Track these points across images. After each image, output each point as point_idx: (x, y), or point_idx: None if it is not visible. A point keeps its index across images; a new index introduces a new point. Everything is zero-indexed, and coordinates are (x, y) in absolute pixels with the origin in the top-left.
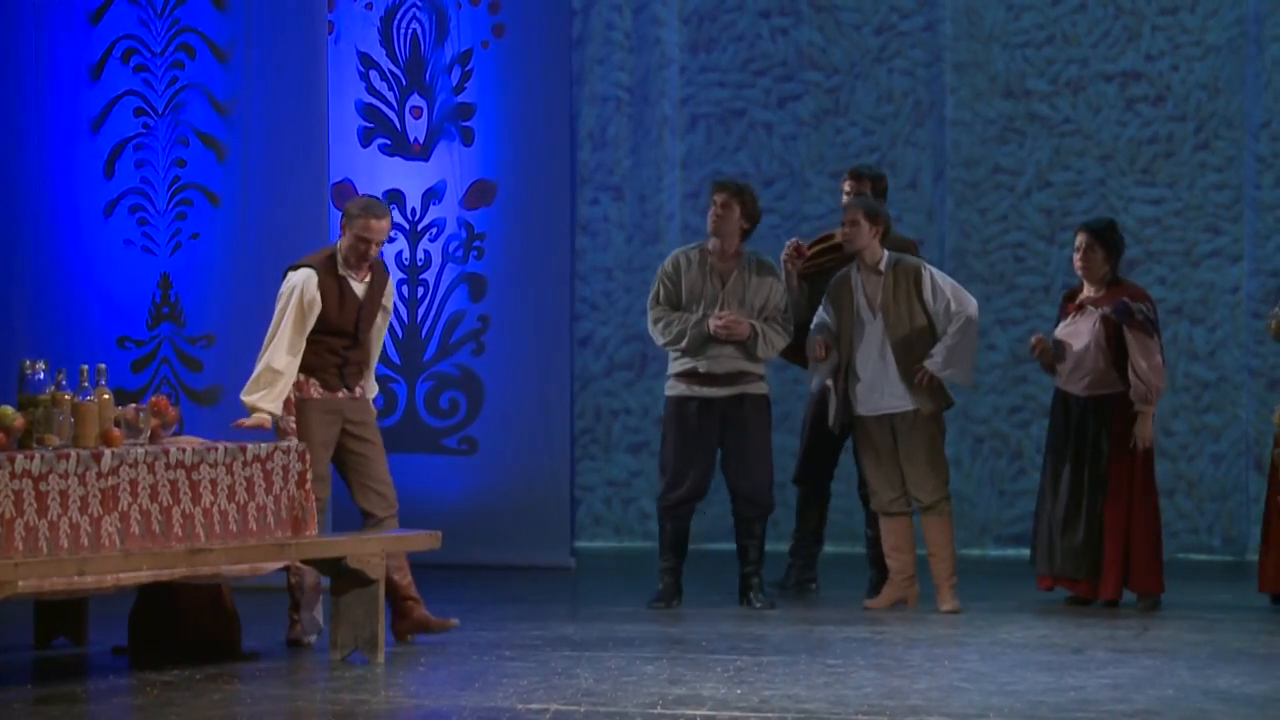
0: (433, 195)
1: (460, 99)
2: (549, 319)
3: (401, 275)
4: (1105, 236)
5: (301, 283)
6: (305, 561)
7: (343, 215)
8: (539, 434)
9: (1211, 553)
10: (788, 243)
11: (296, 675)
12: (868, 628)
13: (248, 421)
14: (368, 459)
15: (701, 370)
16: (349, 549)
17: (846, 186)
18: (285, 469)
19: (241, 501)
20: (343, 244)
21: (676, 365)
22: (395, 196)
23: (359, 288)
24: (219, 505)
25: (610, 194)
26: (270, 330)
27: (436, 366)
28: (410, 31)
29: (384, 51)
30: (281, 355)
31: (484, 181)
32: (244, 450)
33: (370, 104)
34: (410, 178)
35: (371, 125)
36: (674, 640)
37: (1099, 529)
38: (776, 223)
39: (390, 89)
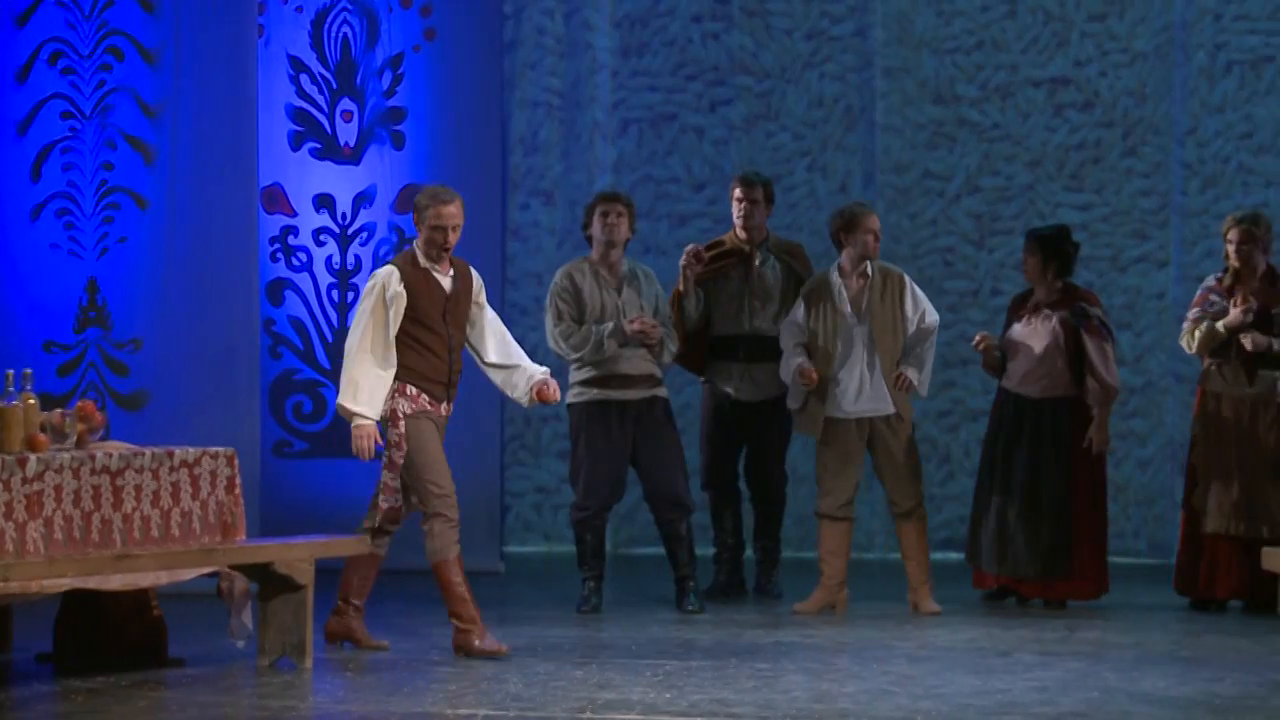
0: (363, 199)
1: (391, 103)
2: None
3: (332, 280)
4: (1048, 243)
5: (384, 279)
6: (233, 567)
7: (414, 211)
8: (468, 439)
9: (1138, 556)
10: (687, 249)
11: (224, 681)
12: (797, 631)
13: (361, 443)
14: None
15: (618, 373)
16: (277, 554)
17: (738, 193)
18: (214, 474)
19: (166, 507)
20: (420, 239)
21: (583, 373)
22: (325, 200)
23: (445, 280)
24: (142, 511)
25: (541, 199)
26: (355, 331)
27: None
28: (341, 35)
29: (314, 55)
30: (375, 355)
31: (415, 186)
32: (171, 455)
33: (300, 107)
34: (341, 182)
35: (302, 129)
36: (603, 645)
37: (1063, 531)
38: (708, 227)
39: (321, 92)
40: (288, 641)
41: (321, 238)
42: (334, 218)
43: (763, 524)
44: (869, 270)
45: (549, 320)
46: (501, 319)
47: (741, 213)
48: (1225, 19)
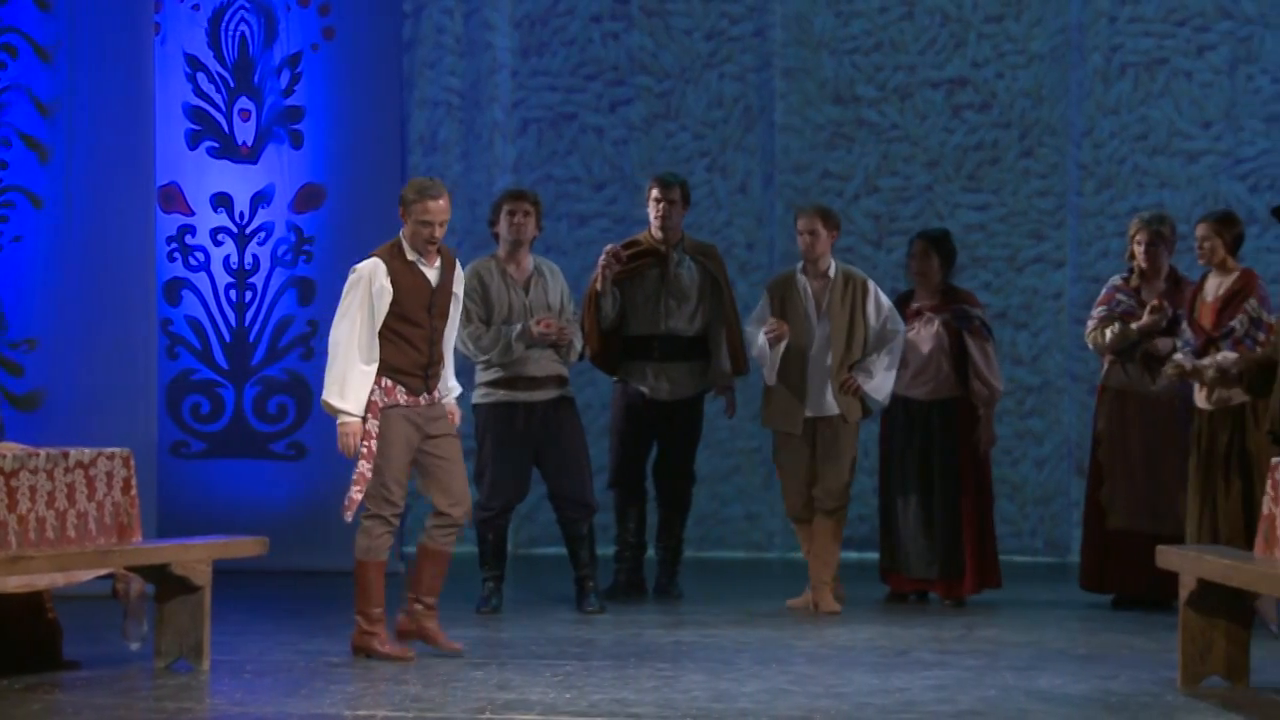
0: (261, 199)
1: (289, 102)
2: None
3: (230, 279)
4: (941, 244)
5: (369, 272)
6: (129, 568)
7: (400, 203)
8: None
9: (1035, 555)
10: (605, 249)
11: (120, 684)
12: (697, 631)
13: (348, 440)
14: (449, 466)
15: (524, 375)
16: (173, 556)
17: (655, 193)
18: (110, 475)
19: (62, 508)
20: (406, 231)
21: (489, 374)
22: (223, 199)
23: (431, 273)
24: (37, 512)
25: None
26: (339, 326)
27: (265, 371)
28: (238, 33)
29: (212, 53)
30: (360, 350)
31: (313, 185)
32: (66, 456)
33: (197, 106)
34: (238, 181)
35: (199, 127)
36: (502, 645)
37: (955, 530)
38: (607, 226)
39: (218, 91)
40: (185, 643)
41: (219, 237)
42: (232, 217)
43: (666, 524)
44: (830, 272)
45: (460, 319)
46: None
47: (659, 213)
48: (1120, 21)
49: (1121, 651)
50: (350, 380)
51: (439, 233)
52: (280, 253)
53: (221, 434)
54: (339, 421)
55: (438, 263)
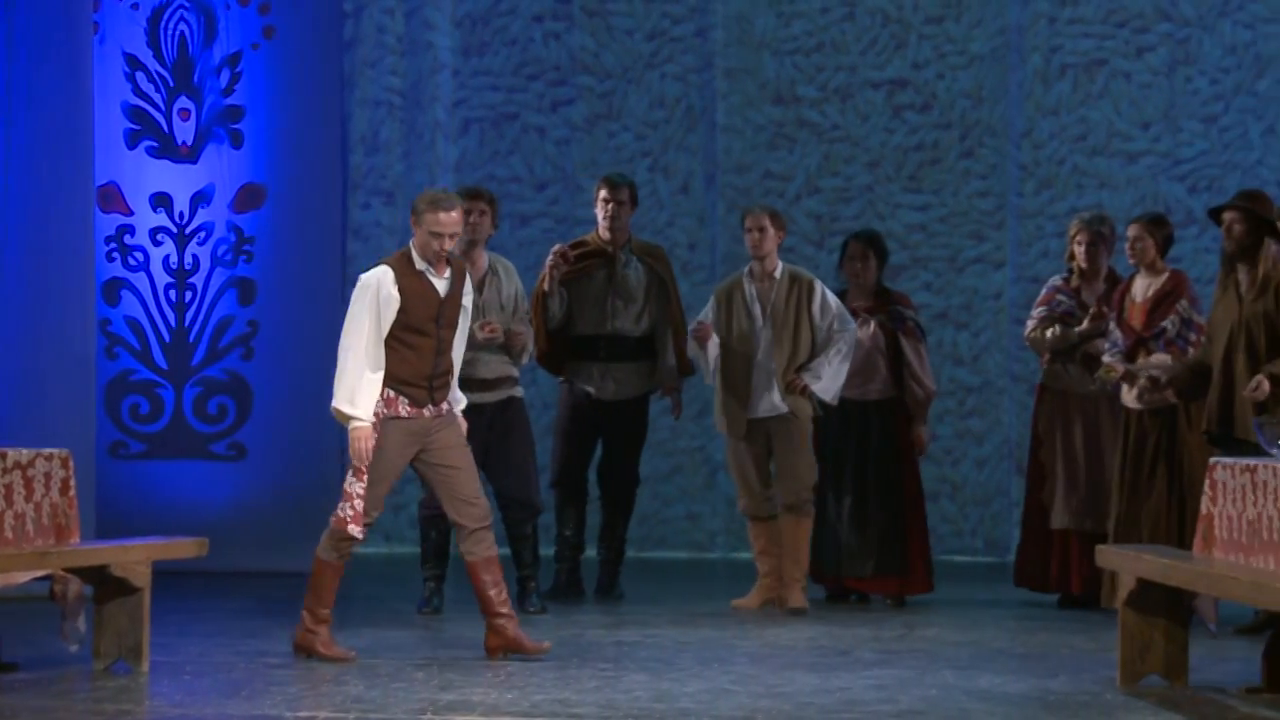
0: (201, 198)
1: (229, 101)
2: (319, 324)
3: (169, 279)
4: (877, 245)
5: (377, 280)
6: (68, 569)
7: (411, 213)
8: (309, 440)
9: (975, 554)
10: (553, 249)
11: (58, 686)
12: (638, 631)
13: (359, 445)
14: (459, 475)
15: (475, 377)
16: (112, 557)
17: (604, 194)
18: (48, 476)
19: None
20: (417, 241)
21: None
22: (163, 199)
23: (440, 284)
24: None
25: (382, 198)
26: (349, 333)
27: (205, 371)
28: (178, 32)
29: (151, 53)
30: (369, 357)
31: (253, 185)
32: (4, 457)
33: (137, 105)
34: (178, 180)
35: (138, 127)
36: (444, 645)
37: (894, 529)
38: (549, 226)
39: (157, 90)
40: (124, 645)
41: (159, 237)
42: (171, 217)
43: (609, 525)
44: (778, 273)
45: None
46: (341, 320)
47: (608, 214)
48: (1059, 22)
49: (1061, 650)
50: (359, 387)
51: (449, 244)
52: (220, 253)
53: (161, 435)
54: (350, 428)
55: (447, 273)
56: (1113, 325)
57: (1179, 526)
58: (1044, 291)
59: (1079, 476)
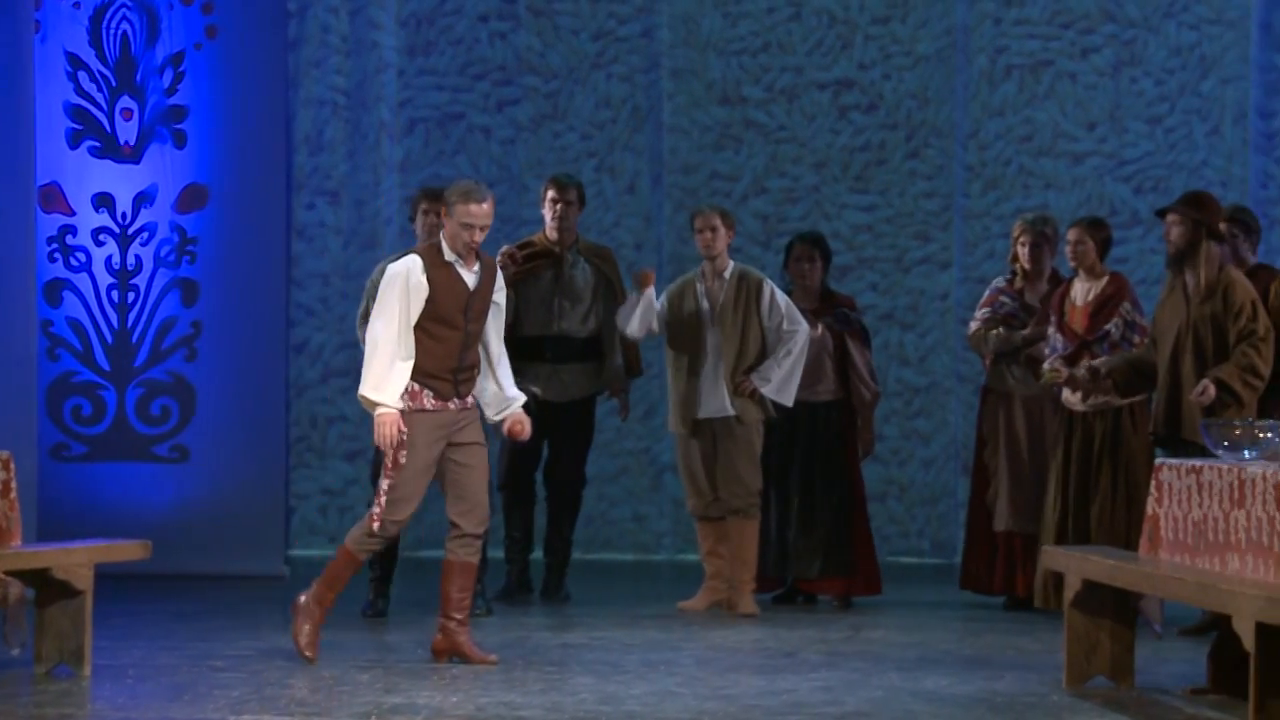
0: (144, 199)
1: (172, 101)
2: (263, 325)
3: (112, 280)
4: (823, 246)
5: (406, 270)
6: (9, 572)
7: (443, 204)
8: (253, 441)
9: (921, 556)
10: (502, 250)
11: None
12: (584, 634)
13: (385, 430)
14: (470, 474)
15: None
16: (54, 560)
17: (551, 194)
18: None
19: None
20: (447, 233)
21: None
22: (105, 200)
23: (469, 277)
24: None
25: (326, 199)
26: (377, 321)
27: (148, 373)
28: (120, 32)
29: (93, 52)
30: (398, 344)
31: (197, 185)
32: None
33: (79, 105)
34: (120, 181)
35: (80, 127)
36: (388, 648)
37: (841, 530)
38: (496, 227)
39: (100, 90)
40: (65, 648)
41: (101, 237)
42: (114, 217)
43: (556, 527)
44: (728, 273)
45: (360, 315)
46: (285, 320)
47: (556, 214)
48: (1005, 23)
49: (1007, 652)
50: (386, 374)
51: (479, 236)
52: (163, 253)
53: (103, 437)
54: (377, 414)
55: (476, 267)
56: (1053, 329)
57: (1125, 528)
58: (987, 293)
59: (1023, 478)
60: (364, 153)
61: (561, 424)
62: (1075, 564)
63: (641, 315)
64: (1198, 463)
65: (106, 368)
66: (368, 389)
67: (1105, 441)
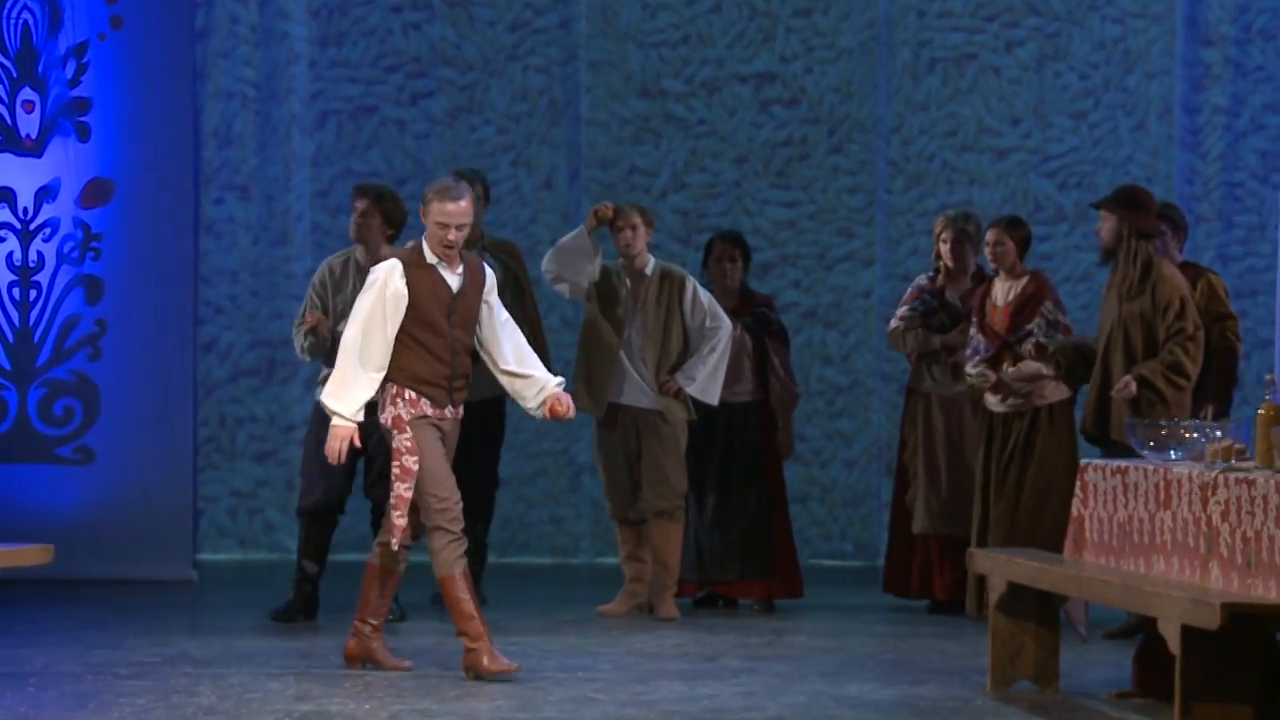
0: (46, 193)
1: (76, 93)
2: (171, 323)
3: (13, 277)
4: (743, 246)
5: (385, 275)
6: None
7: (420, 203)
8: (159, 442)
9: (844, 558)
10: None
11: None
12: (500, 639)
13: (334, 443)
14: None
15: None
16: None
17: None
18: None
19: None
20: (426, 234)
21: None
22: (5, 194)
23: (453, 279)
24: None
25: (236, 193)
26: (351, 327)
27: (50, 372)
28: (21, 22)
29: None
30: (368, 353)
31: (101, 179)
32: None
33: None
34: (22, 175)
35: None
36: (301, 655)
37: (760, 532)
38: (412, 223)
39: (0, 82)
40: None
41: (1, 233)
42: (15, 212)
43: (469, 529)
44: (649, 270)
45: (299, 314)
46: (193, 318)
47: None
48: (929, 16)
49: (931, 656)
50: (349, 384)
51: (455, 235)
52: (67, 250)
53: (5, 438)
54: (331, 425)
55: (460, 269)
56: (974, 330)
57: (1034, 528)
58: (909, 290)
59: (940, 480)
60: (274, 146)
61: (470, 424)
62: (999, 566)
63: (592, 258)
64: (1123, 463)
65: (7, 367)
66: (328, 397)
67: (1019, 442)
